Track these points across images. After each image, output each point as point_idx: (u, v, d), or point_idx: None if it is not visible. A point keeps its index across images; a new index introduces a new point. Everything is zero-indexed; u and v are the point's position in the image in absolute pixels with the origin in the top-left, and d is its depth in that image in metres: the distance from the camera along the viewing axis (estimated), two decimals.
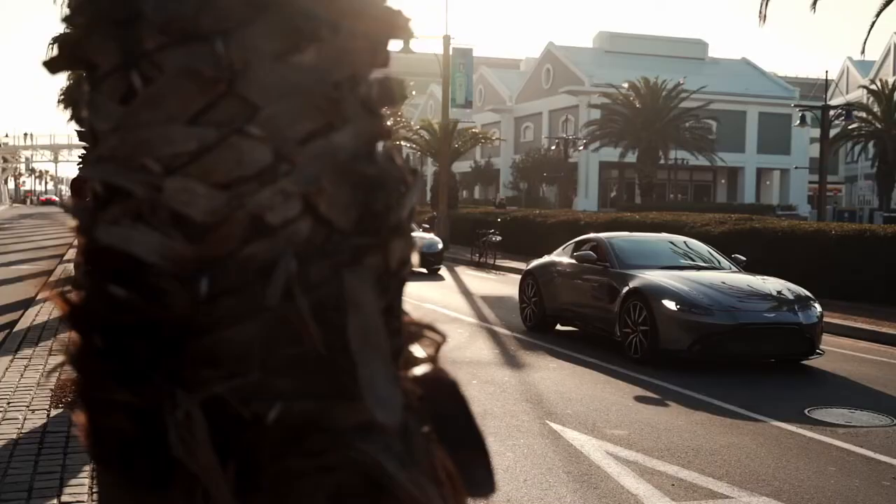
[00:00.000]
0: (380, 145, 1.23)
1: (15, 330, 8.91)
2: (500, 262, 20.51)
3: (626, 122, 40.43)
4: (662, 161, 40.91)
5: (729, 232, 15.88)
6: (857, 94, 47.14)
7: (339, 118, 1.20)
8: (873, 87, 42.19)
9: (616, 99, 40.85)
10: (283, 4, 1.17)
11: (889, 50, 53.05)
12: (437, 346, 1.29)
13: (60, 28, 1.17)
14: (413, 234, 1.21)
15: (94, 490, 3.84)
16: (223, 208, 1.14)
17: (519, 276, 18.83)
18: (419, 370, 1.29)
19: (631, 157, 40.67)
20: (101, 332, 1.18)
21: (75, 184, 9.20)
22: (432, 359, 1.31)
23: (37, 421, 5.28)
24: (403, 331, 1.28)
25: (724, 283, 9.09)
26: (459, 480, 1.27)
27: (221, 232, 1.16)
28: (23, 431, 5.12)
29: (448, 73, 25.32)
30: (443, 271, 19.18)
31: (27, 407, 5.66)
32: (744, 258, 10.54)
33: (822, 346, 8.90)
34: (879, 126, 40.53)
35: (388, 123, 1.27)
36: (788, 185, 52.80)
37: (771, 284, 9.33)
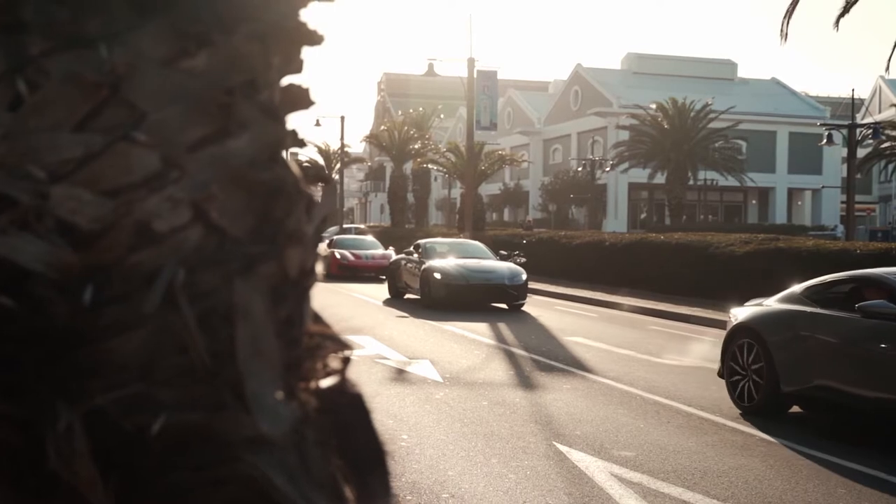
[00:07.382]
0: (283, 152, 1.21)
1: None
2: None
3: (654, 143, 40.27)
4: (692, 182, 40.65)
5: (754, 252, 15.74)
6: (890, 113, 46.56)
7: (235, 124, 1.18)
8: None
9: (644, 120, 40.72)
10: (171, 8, 1.15)
11: None
12: (345, 358, 1.26)
13: None
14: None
15: None
16: (110, 215, 1.12)
17: (543, 298, 18.79)
18: (323, 382, 1.26)
19: (660, 178, 40.46)
20: None
21: None
22: (339, 371, 1.28)
23: None
24: (305, 342, 1.25)
25: None
26: (357, 494, 1.24)
27: (108, 240, 1.13)
28: None
29: (472, 96, 25.36)
30: None
31: None
32: None
33: None
34: None
35: (292, 130, 1.24)
36: (820, 205, 52.27)
37: None
